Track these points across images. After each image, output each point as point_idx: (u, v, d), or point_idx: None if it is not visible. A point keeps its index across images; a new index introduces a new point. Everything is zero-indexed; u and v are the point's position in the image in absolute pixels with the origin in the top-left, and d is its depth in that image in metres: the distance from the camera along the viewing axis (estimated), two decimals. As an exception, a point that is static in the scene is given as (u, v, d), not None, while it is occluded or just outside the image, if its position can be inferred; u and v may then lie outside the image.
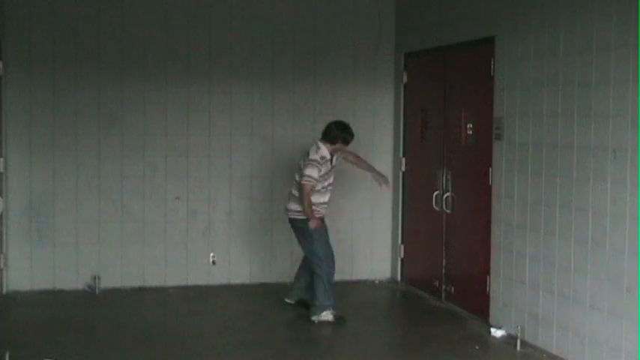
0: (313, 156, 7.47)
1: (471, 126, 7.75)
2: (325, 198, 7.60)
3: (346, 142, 7.62)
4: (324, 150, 7.54)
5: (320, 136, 7.65)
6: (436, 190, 8.23)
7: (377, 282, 9.21)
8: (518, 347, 6.66)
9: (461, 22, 7.86)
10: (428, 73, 8.66)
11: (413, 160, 8.95)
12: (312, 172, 7.39)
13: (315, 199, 7.49)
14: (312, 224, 7.47)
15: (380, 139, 9.24)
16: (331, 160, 7.58)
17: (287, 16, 8.98)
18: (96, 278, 8.48)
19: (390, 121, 9.25)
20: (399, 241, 9.15)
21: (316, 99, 9.09)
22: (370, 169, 8.12)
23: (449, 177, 8.09)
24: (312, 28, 9.04)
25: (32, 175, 8.46)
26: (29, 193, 8.46)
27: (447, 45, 8.12)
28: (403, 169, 9.08)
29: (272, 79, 8.96)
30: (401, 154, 9.10)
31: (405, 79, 9.03)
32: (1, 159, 8.26)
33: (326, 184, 7.55)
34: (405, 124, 9.06)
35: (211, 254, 8.86)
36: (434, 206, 8.25)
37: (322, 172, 7.48)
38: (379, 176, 8.02)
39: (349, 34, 9.11)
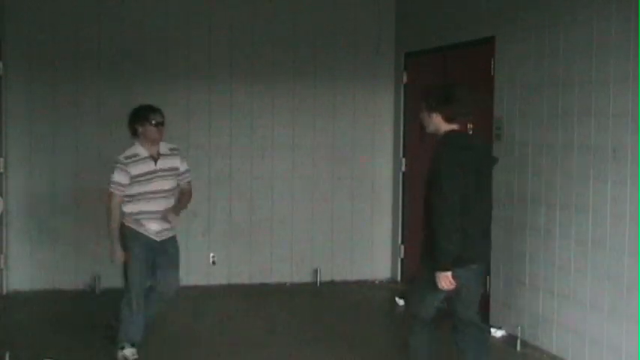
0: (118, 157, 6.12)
1: (471, 126, 7.74)
2: (148, 207, 6.11)
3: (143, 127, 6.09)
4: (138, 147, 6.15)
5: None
6: (436, 190, 8.21)
7: (377, 282, 9.20)
8: (518, 347, 6.66)
9: (461, 22, 7.86)
10: (428, 73, 8.65)
11: (413, 160, 8.94)
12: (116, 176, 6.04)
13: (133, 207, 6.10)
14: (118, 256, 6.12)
15: (380, 139, 9.23)
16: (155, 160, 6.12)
17: (287, 15, 8.98)
18: (96, 278, 8.48)
19: (390, 121, 9.24)
20: (399, 241, 9.14)
21: (316, 99, 9.08)
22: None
23: (449, 177, 8.07)
24: (312, 28, 9.04)
25: (32, 175, 8.46)
26: (29, 193, 8.46)
27: (447, 45, 8.12)
28: (403, 169, 9.08)
29: (272, 79, 8.96)
30: (401, 154, 9.09)
31: (405, 79, 9.02)
32: (1, 159, 8.25)
33: (142, 190, 6.07)
34: (405, 124, 9.05)
35: (211, 254, 8.84)
36: (434, 206, 8.23)
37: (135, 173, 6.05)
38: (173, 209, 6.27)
39: (349, 34, 9.10)
